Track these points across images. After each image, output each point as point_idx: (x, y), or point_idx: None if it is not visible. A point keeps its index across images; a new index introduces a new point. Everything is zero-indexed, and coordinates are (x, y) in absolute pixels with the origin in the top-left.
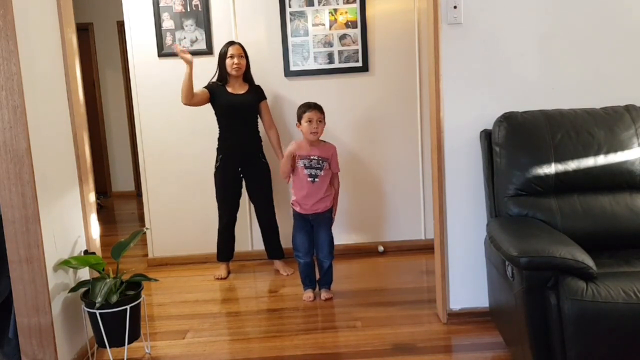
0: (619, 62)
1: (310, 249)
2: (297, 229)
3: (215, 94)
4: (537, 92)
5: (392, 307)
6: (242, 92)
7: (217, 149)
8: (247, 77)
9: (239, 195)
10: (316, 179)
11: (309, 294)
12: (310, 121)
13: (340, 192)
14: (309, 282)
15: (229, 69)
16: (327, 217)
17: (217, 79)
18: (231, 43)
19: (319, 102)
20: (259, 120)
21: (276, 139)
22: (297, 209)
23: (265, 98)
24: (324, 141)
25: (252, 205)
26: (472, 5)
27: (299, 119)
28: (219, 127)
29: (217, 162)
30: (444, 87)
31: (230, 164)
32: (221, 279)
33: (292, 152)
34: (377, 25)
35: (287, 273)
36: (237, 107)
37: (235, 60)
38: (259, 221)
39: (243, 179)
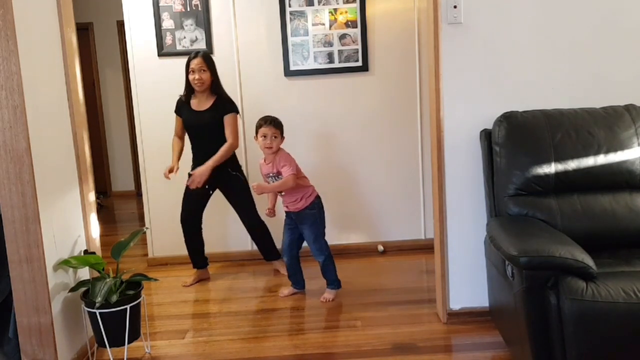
0: (619, 62)
1: (292, 248)
2: (284, 227)
3: (181, 112)
4: (537, 92)
5: (392, 307)
6: (205, 108)
7: (192, 157)
8: (214, 90)
9: (203, 205)
10: (282, 192)
11: (283, 289)
12: (264, 136)
13: (340, 192)
14: (293, 280)
15: (191, 83)
16: (308, 214)
17: (184, 93)
18: (194, 55)
19: (318, 102)
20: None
21: (223, 149)
22: (285, 209)
23: (230, 112)
24: (282, 151)
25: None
26: (472, 4)
27: (256, 132)
28: (189, 141)
29: (192, 169)
30: (444, 87)
31: None
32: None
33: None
34: (377, 25)
35: (287, 273)
36: (197, 125)
37: (197, 75)
38: (246, 229)
39: (219, 191)
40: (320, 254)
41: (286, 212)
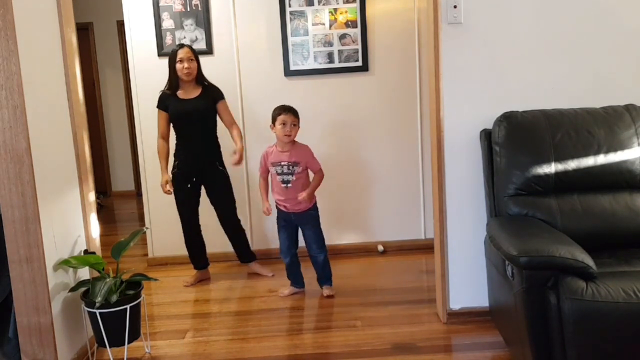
0: (619, 62)
1: (291, 248)
2: (279, 229)
3: (167, 104)
4: (537, 92)
5: (392, 307)
6: (193, 96)
7: (174, 155)
8: (199, 79)
9: (197, 203)
10: (289, 185)
11: (284, 289)
12: (284, 124)
13: (340, 192)
14: (292, 279)
15: (179, 73)
16: (310, 215)
17: (167, 87)
18: (180, 46)
19: (319, 102)
20: (218, 123)
21: (238, 134)
22: (281, 208)
23: (222, 98)
24: (297, 142)
25: (250, 205)
26: (472, 4)
27: (273, 120)
28: (175, 135)
29: (174, 168)
30: (444, 87)
31: (185, 172)
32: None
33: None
34: (377, 25)
35: (271, 274)
36: (188, 113)
37: (185, 64)
38: (223, 228)
39: (203, 186)
40: (321, 252)
41: (285, 212)
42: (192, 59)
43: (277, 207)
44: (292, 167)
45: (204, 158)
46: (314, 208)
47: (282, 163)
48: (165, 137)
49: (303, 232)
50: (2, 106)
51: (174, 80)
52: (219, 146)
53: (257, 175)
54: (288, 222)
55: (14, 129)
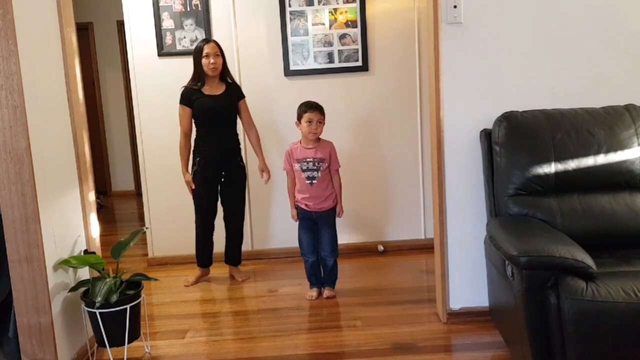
0: (619, 62)
1: (316, 248)
2: (302, 229)
3: (192, 99)
4: (537, 92)
5: (392, 307)
6: (219, 92)
7: (194, 152)
8: (224, 75)
9: (217, 201)
10: (314, 181)
11: (312, 293)
12: (310, 122)
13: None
14: (315, 280)
15: (205, 68)
16: (330, 215)
17: (192, 81)
18: (206, 41)
19: (318, 102)
20: (238, 120)
21: (256, 138)
22: (302, 206)
23: (243, 96)
24: (322, 139)
25: (250, 204)
26: (472, 4)
27: (299, 117)
28: (197, 130)
29: (194, 165)
30: (444, 87)
31: (210, 168)
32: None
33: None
34: (377, 25)
35: (242, 279)
36: (215, 110)
37: (212, 59)
38: (226, 225)
39: (222, 182)
40: (333, 255)
41: (306, 211)
42: (218, 54)
43: (297, 206)
44: (318, 164)
45: (227, 153)
46: (334, 208)
47: (308, 159)
48: (188, 135)
49: (320, 231)
50: (2, 106)
51: (200, 75)
52: (239, 142)
53: (257, 175)
54: (310, 221)
55: (14, 129)
